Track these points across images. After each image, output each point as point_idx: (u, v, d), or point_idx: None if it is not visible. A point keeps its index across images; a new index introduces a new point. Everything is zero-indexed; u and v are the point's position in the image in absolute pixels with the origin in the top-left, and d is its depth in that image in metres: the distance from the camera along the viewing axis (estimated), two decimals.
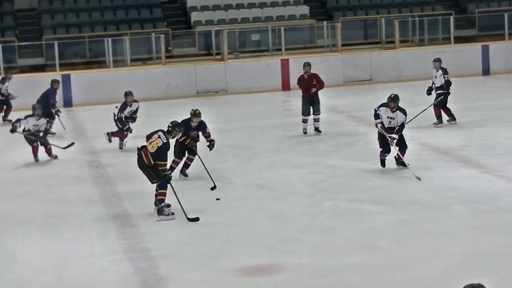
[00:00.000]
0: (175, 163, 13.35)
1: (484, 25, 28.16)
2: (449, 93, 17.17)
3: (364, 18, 28.67)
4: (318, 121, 16.92)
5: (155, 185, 11.30)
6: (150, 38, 25.96)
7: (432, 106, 17.13)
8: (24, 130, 15.42)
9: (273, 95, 23.43)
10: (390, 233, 10.40)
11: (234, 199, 12.24)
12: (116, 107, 16.41)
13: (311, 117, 16.97)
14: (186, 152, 13.41)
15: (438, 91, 17.19)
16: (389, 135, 13.11)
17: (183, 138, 13.08)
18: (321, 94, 17.48)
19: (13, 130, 15.42)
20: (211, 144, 13.43)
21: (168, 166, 11.58)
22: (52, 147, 15.71)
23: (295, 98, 18.18)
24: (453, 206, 11.45)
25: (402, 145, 13.32)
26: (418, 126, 16.99)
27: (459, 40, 26.79)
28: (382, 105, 13.36)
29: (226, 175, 13.29)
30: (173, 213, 11.38)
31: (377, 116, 13.33)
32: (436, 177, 12.70)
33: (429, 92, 17.42)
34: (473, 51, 25.58)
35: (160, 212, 11.38)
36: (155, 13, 28.44)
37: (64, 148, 15.99)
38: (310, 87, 17.11)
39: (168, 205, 11.52)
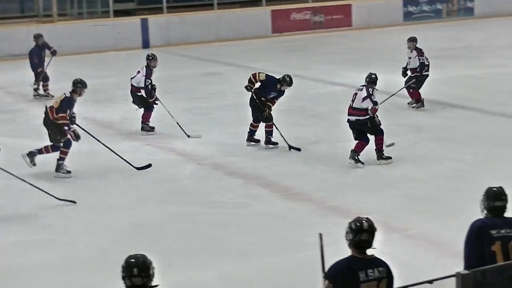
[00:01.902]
0: (253, 126, 12.84)
1: None
2: (422, 75, 15.13)
3: None
4: None
5: None
6: None
7: (405, 89, 15.22)
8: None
9: None
10: (55, 210, 10.03)
11: None
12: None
13: None
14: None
15: (412, 73, 15.25)
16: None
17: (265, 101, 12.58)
18: None
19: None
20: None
21: (67, 120, 11.28)
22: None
23: None
24: (114, 177, 11.35)
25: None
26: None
27: (118, 13, 26.71)
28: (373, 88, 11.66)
29: None
30: (69, 171, 11.40)
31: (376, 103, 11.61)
32: (100, 150, 12.47)
33: (403, 74, 15.40)
34: (132, 25, 25.64)
35: (58, 168, 11.39)
36: None
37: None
38: None
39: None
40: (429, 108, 14.92)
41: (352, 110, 11.69)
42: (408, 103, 15.29)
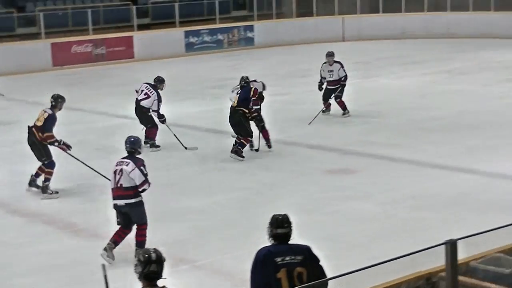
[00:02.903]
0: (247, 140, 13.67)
1: None
2: (345, 85, 16.73)
3: None
4: None
5: None
6: None
7: (334, 100, 16.76)
8: None
9: None
10: None
11: None
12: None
13: None
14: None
15: (333, 86, 16.68)
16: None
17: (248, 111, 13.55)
18: None
19: None
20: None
21: (56, 138, 11.65)
22: None
23: None
24: None
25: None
26: None
27: None
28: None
29: None
30: (57, 192, 11.71)
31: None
32: None
33: (320, 87, 16.86)
34: None
35: (44, 190, 11.68)
36: None
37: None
38: None
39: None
40: (210, 139, 15.10)
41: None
42: (323, 111, 16.65)
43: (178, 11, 30.11)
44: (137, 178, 9.02)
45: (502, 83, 20.29)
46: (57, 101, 11.95)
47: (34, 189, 11.93)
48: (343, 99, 16.77)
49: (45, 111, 11.78)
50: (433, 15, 31.56)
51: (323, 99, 16.86)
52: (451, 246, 5.48)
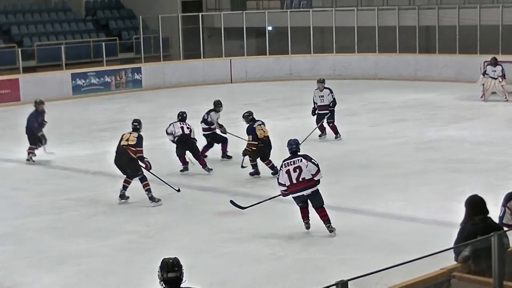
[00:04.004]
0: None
1: None
2: (334, 110, 18.17)
3: None
4: None
5: None
6: None
7: (324, 123, 18.24)
8: None
9: None
10: None
11: None
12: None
13: None
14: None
15: (324, 110, 18.13)
16: None
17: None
18: None
19: None
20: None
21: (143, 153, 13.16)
22: None
23: None
24: None
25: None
26: None
27: None
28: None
29: None
30: (159, 199, 13.10)
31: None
32: None
33: (314, 112, 18.38)
34: None
35: (152, 200, 13.06)
36: None
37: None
38: None
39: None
40: (99, 181, 14.89)
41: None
42: (319, 136, 18.38)
43: (65, 53, 29.76)
44: (313, 169, 10.96)
45: (388, 124, 20.71)
46: (140, 124, 13.68)
47: (123, 201, 13.24)
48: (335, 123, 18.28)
49: (131, 133, 13.37)
50: (319, 56, 32.09)
51: (316, 123, 18.37)
52: (342, 286, 5.50)
